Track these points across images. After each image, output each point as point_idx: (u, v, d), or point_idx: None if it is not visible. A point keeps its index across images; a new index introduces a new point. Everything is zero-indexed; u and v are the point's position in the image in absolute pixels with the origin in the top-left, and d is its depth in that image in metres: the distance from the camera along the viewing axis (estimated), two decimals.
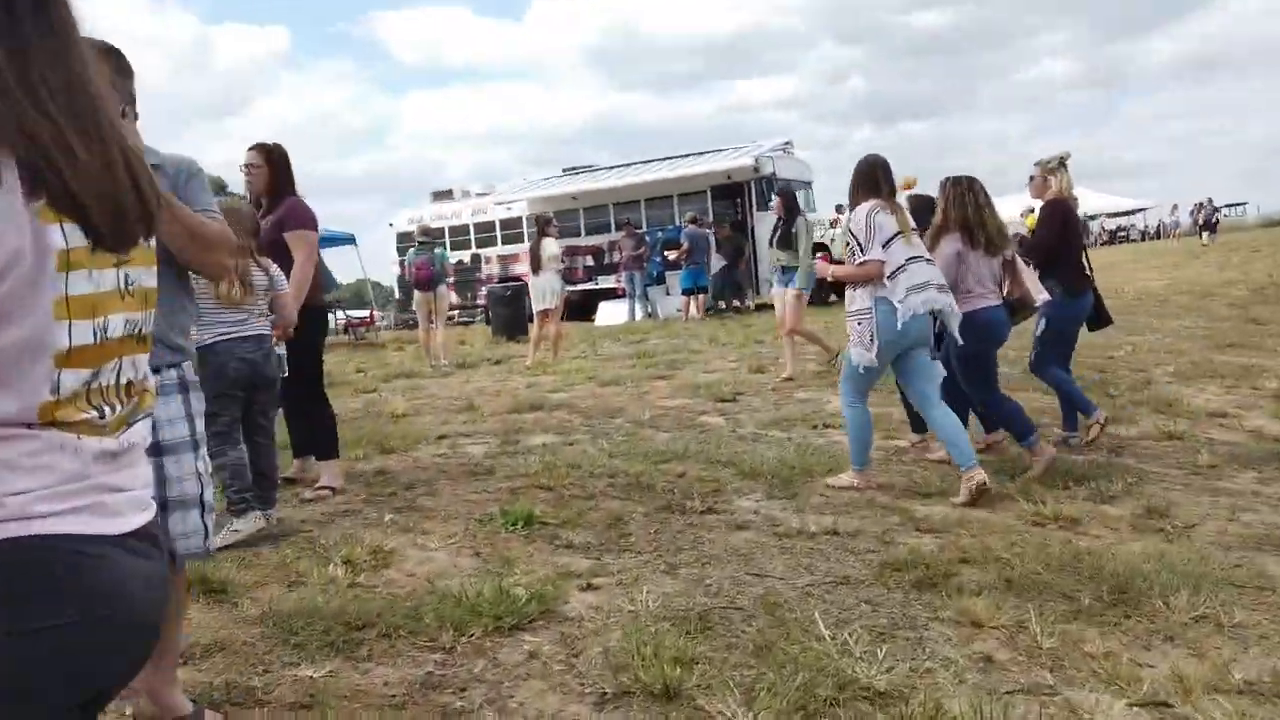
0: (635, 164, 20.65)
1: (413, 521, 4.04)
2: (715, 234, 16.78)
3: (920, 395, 4.66)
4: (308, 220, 4.67)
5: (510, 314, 14.75)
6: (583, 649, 2.75)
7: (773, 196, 9.43)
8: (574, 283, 20.15)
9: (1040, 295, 5.05)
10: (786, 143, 19.22)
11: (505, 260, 20.17)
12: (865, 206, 4.55)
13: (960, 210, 4.86)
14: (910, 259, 4.50)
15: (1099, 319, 5.61)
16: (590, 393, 7.94)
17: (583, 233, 20.72)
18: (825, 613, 3.03)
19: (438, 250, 11.56)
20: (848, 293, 4.78)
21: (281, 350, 4.41)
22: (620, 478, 4.74)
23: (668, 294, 17.77)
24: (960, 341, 4.74)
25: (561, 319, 11.39)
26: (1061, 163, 5.48)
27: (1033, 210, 24.73)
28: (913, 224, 4.65)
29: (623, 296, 17.68)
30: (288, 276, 4.44)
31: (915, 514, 4.15)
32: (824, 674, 2.56)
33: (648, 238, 17.82)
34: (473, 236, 22.07)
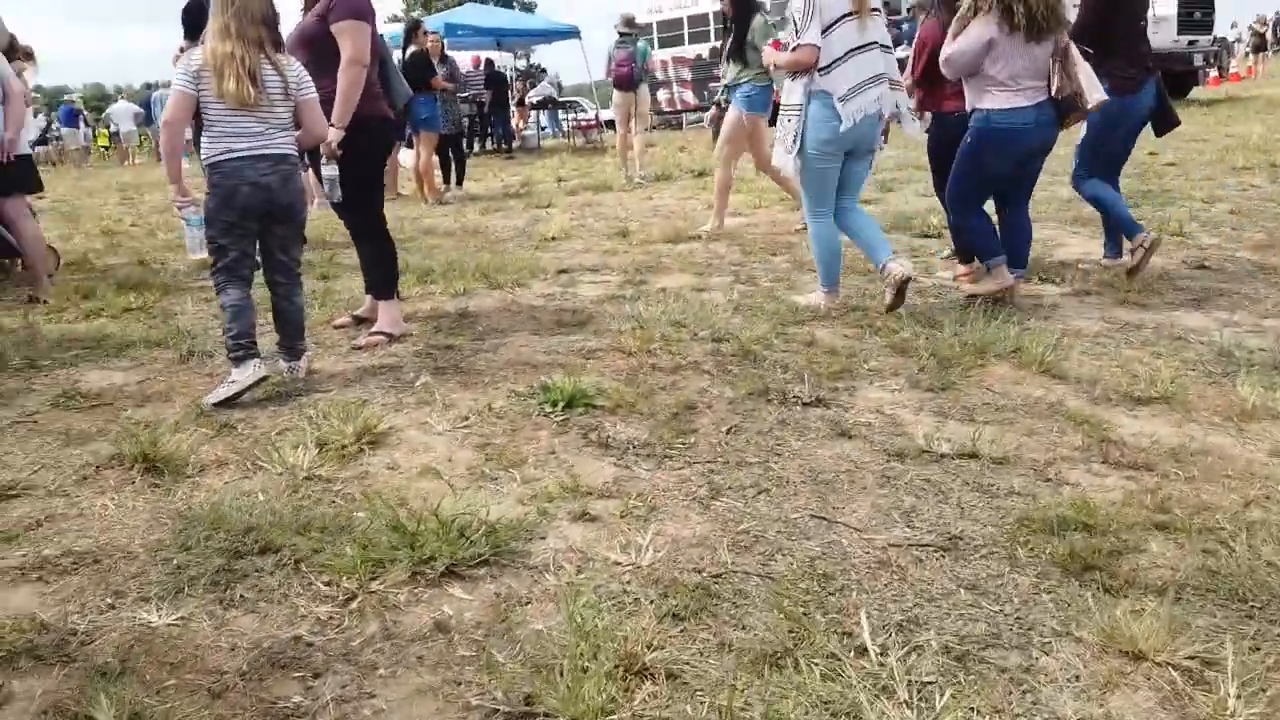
0: None
1: (444, 389, 3.38)
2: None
3: (839, 207, 4.23)
4: (356, 6, 3.76)
5: None
6: (513, 624, 1.99)
7: None
8: None
9: (1095, 95, 4.00)
10: None
11: None
12: None
13: None
14: (859, 48, 3.90)
15: (1164, 120, 4.60)
16: (770, 218, 6.83)
17: None
18: (891, 602, 2.05)
19: (641, 45, 10.40)
20: (785, 84, 4.11)
21: (333, 171, 3.76)
22: (727, 344, 3.79)
23: None
24: (967, 142, 4.15)
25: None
26: None
27: None
28: (874, 3, 3.96)
29: None
30: None
31: (1114, 430, 2.90)
32: None
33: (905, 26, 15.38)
34: (712, 28, 20.38)
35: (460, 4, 20.38)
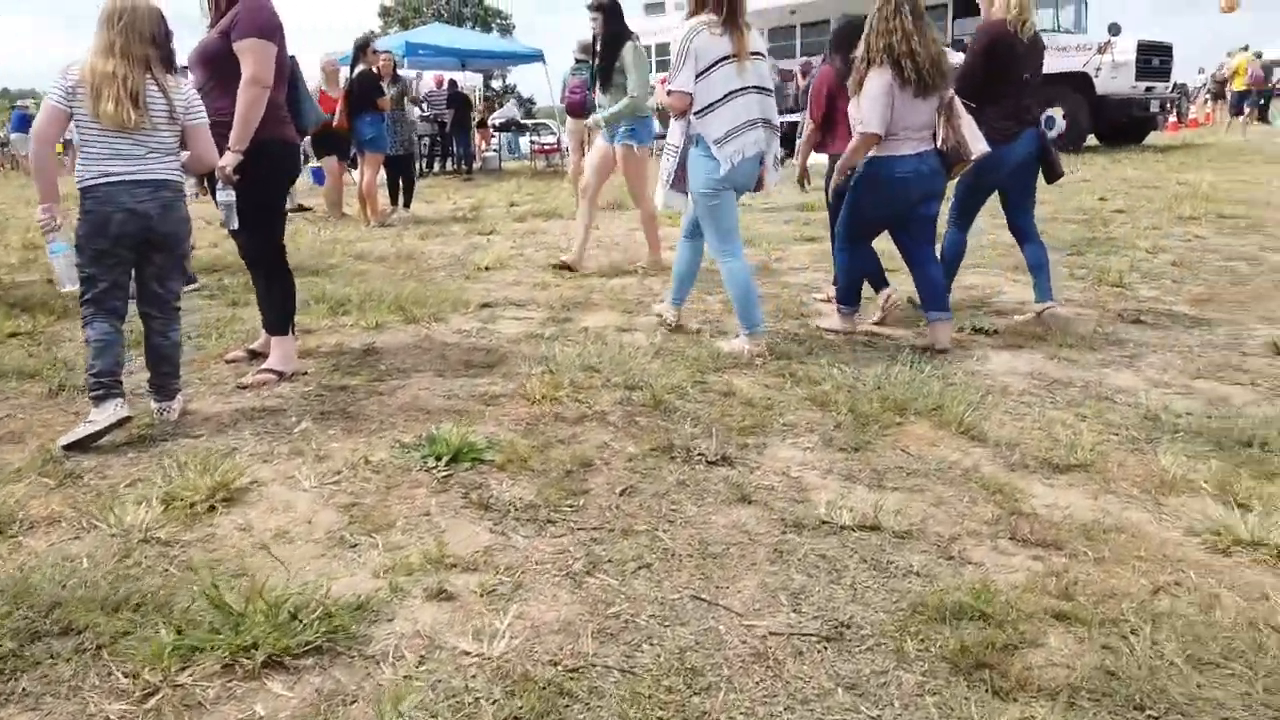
0: None
1: (322, 438, 3.14)
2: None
3: (689, 228, 4.33)
4: (260, 23, 3.52)
5: None
6: None
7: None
8: (786, 113, 18.19)
9: (978, 146, 4.07)
10: None
11: None
12: (688, 25, 3.85)
13: (885, 38, 3.91)
14: (737, 91, 3.86)
15: (1049, 169, 4.60)
16: None
17: (798, 53, 18.46)
18: (761, 704, 1.85)
19: None
20: (671, 122, 4.11)
21: (229, 197, 3.53)
22: (640, 392, 3.60)
23: None
24: (852, 186, 4.19)
25: None
26: None
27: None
28: (754, 48, 3.93)
29: None
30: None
31: (1027, 500, 2.73)
32: None
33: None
34: None
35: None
